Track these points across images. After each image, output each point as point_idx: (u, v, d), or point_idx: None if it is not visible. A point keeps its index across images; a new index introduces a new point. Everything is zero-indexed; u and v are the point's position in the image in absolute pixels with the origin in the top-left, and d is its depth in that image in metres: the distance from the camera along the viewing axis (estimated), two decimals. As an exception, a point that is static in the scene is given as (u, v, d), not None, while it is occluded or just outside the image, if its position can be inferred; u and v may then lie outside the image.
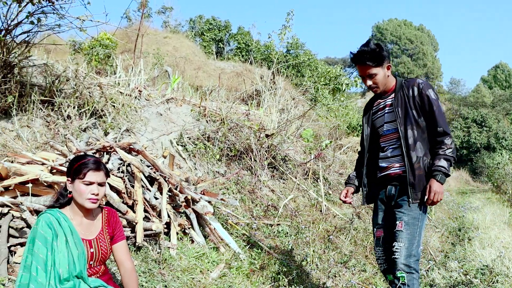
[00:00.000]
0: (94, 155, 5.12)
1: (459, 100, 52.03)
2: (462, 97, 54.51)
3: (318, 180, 9.22)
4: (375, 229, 3.87)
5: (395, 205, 3.62)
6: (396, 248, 3.45)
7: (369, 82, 3.64)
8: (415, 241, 3.44)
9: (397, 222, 3.50)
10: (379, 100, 3.83)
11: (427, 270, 6.16)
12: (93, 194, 2.85)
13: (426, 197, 3.40)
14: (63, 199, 2.95)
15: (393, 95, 3.69)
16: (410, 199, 3.46)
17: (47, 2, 5.77)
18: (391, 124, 3.66)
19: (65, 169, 4.38)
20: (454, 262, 6.29)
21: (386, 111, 3.71)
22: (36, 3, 5.70)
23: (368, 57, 3.53)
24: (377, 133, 3.83)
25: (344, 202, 3.99)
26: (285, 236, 6.52)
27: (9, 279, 3.61)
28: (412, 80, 3.63)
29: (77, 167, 2.85)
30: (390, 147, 3.68)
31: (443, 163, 3.39)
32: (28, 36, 6.14)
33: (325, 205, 8.14)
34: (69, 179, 2.89)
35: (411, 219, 3.46)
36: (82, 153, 2.93)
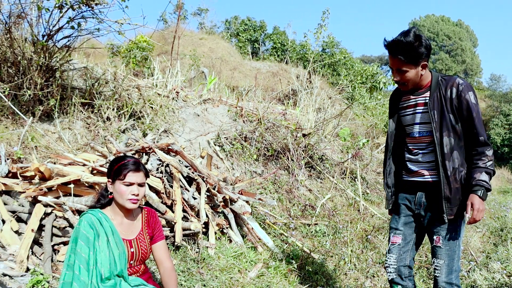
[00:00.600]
0: (134, 156, 5.21)
1: (500, 96, 50.71)
2: (503, 93, 52.99)
3: (356, 179, 9.16)
4: (391, 234, 3.55)
5: (427, 217, 3.34)
6: (436, 266, 3.25)
7: (397, 78, 3.24)
8: (455, 256, 3.23)
9: (435, 237, 3.27)
10: (409, 95, 3.41)
11: (468, 271, 6.04)
12: (134, 194, 2.89)
13: (468, 215, 3.09)
14: (104, 200, 3.01)
15: (427, 93, 3.27)
16: (445, 215, 3.17)
17: (87, 7, 5.89)
18: (424, 126, 3.29)
19: (105, 170, 4.46)
20: (497, 263, 6.14)
21: (419, 110, 3.31)
22: (76, 9, 5.83)
23: (401, 50, 3.09)
24: (403, 131, 3.49)
25: None
26: (323, 236, 6.49)
27: (53, 277, 3.71)
28: (451, 79, 3.19)
29: (117, 169, 2.90)
30: (421, 151, 3.34)
31: (484, 177, 3.05)
32: (68, 40, 6.28)
33: (363, 205, 8.07)
34: (110, 180, 2.94)
35: (449, 233, 3.21)
36: (121, 155, 2.98)
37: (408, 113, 3.42)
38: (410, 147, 3.43)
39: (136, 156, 5.32)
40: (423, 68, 3.21)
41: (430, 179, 3.29)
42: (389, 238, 3.59)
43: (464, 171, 3.19)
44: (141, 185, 2.95)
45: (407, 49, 3.08)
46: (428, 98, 3.26)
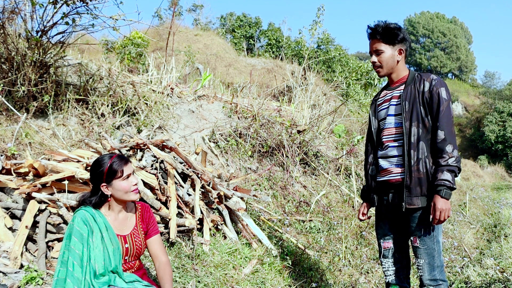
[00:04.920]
0: (120, 152, 5.22)
1: (494, 93, 50.98)
2: (497, 90, 53.28)
3: (350, 175, 9.17)
4: (381, 240, 3.55)
5: (402, 214, 3.32)
6: (418, 265, 3.27)
7: (373, 59, 3.39)
8: (435, 253, 3.21)
9: (412, 238, 3.28)
10: (385, 91, 3.55)
11: (462, 267, 6.07)
12: (134, 185, 2.92)
13: (431, 217, 3.08)
14: (100, 202, 2.98)
15: (402, 87, 3.37)
16: (403, 203, 3.19)
17: (81, 2, 5.87)
18: (396, 118, 3.35)
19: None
20: (490, 259, 6.17)
21: (392, 103, 3.40)
22: (70, 4, 5.81)
23: (379, 31, 3.31)
24: (378, 127, 3.54)
25: (362, 220, 3.76)
26: (317, 232, 6.50)
27: (47, 273, 3.70)
28: (426, 75, 3.30)
29: (110, 170, 2.86)
30: (391, 144, 3.36)
31: (446, 175, 3.03)
32: (63, 36, 6.26)
33: (358, 201, 8.09)
34: (105, 184, 2.89)
35: (424, 232, 3.21)
36: (98, 158, 2.96)
37: (383, 108, 3.49)
38: (382, 140, 3.44)
39: (131, 152, 5.32)
40: (400, 54, 3.36)
41: (399, 177, 3.28)
42: (379, 243, 3.60)
43: (430, 164, 3.19)
44: (133, 172, 2.97)
45: (384, 30, 3.31)
46: (402, 90, 3.34)
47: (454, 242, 7.23)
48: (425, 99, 3.21)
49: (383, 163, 3.43)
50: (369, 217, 3.75)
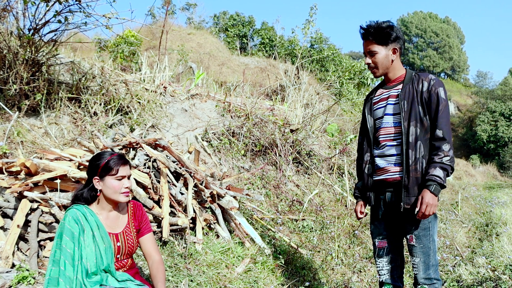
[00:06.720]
0: (114, 150, 5.20)
1: (486, 93, 51.25)
2: (489, 90, 53.58)
3: (343, 175, 9.19)
4: (376, 240, 3.54)
5: (399, 213, 3.32)
6: (413, 264, 3.27)
7: (368, 60, 3.37)
8: (431, 251, 3.22)
9: (408, 236, 3.28)
10: (382, 90, 3.51)
11: (454, 266, 6.09)
12: (126, 187, 2.91)
13: (416, 209, 3.09)
14: (90, 198, 2.97)
15: (400, 86, 3.34)
16: (402, 203, 3.19)
17: (74, 0, 5.85)
18: (394, 117, 3.33)
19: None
20: (482, 258, 6.19)
21: (390, 102, 3.37)
22: (63, 2, 5.78)
23: (371, 32, 3.28)
24: (374, 125, 3.52)
25: (360, 219, 3.75)
26: (310, 231, 6.51)
27: (39, 272, 3.69)
28: (424, 74, 3.30)
29: (106, 165, 2.86)
30: (388, 143, 3.34)
31: (438, 172, 3.05)
32: (55, 34, 6.23)
33: (350, 200, 8.11)
34: (97, 178, 2.89)
35: (421, 231, 3.21)
36: (100, 151, 2.96)
37: (380, 106, 3.46)
38: (379, 139, 3.42)
39: (124, 151, 5.30)
40: (394, 53, 3.34)
41: (398, 176, 3.27)
42: (374, 243, 3.59)
43: (426, 163, 3.18)
44: (128, 177, 2.95)
45: (376, 31, 3.27)
46: (400, 90, 3.32)
47: (446, 241, 7.25)
48: (424, 99, 3.20)
49: (380, 162, 3.41)
50: (365, 214, 3.72)
